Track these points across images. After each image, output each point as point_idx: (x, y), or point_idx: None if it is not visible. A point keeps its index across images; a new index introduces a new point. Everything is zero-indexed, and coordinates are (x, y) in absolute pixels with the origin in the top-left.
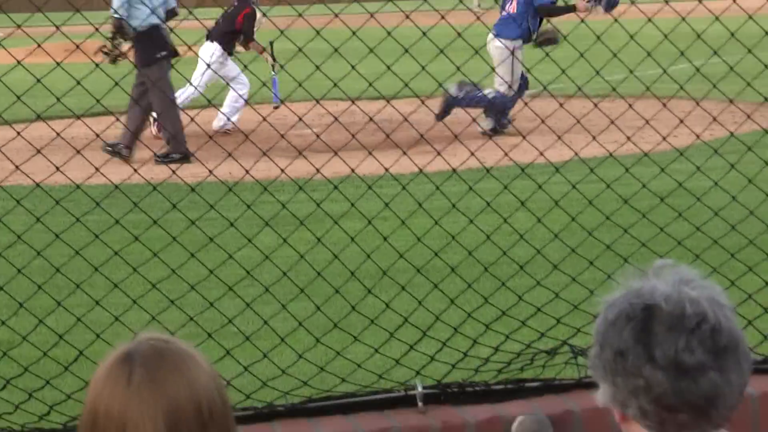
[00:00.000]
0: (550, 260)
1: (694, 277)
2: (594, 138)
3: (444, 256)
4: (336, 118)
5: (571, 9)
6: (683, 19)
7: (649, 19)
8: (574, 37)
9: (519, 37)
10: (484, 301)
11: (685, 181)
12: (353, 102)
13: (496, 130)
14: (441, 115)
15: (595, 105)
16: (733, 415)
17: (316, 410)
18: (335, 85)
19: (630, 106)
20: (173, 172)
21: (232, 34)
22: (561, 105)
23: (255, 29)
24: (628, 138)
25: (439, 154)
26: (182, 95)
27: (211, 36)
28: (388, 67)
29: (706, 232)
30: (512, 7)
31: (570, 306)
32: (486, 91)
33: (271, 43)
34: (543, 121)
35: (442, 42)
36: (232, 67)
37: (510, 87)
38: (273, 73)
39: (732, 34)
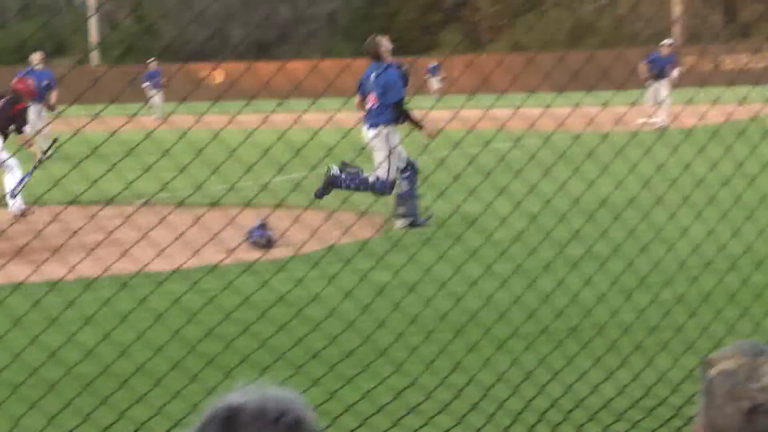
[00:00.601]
0: (154, 374)
1: (278, 386)
2: (199, 249)
3: (44, 373)
4: None
5: (419, 127)
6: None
7: (283, 131)
8: (183, 144)
9: (389, 121)
10: (82, 420)
11: (287, 293)
12: None
13: (415, 224)
14: (321, 193)
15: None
16: None
17: None
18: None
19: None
20: None
21: (7, 120)
22: (168, 214)
23: (29, 125)
24: (232, 250)
25: (42, 263)
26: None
27: None
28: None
29: (307, 344)
30: (374, 102)
31: (173, 422)
32: (367, 174)
33: (55, 141)
34: (146, 234)
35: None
36: (6, 153)
37: (388, 171)
38: (34, 166)
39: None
